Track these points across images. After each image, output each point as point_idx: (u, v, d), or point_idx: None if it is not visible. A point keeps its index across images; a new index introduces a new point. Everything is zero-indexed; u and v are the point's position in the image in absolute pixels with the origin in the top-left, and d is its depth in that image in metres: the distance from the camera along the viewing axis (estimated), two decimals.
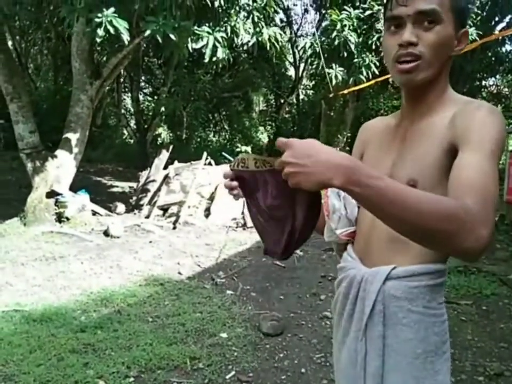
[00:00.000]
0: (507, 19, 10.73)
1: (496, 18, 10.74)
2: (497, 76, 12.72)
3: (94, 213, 5.99)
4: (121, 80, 13.53)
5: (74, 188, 5.92)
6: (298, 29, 15.92)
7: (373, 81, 7.11)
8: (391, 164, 0.97)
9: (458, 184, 0.78)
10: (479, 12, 8.81)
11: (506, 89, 14.26)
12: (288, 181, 0.74)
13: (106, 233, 5.28)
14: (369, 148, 1.08)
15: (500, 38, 9.47)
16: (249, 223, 5.96)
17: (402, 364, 0.93)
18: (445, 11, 0.88)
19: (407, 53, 0.89)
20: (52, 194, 5.57)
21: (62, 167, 5.78)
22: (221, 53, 5.34)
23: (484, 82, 12.75)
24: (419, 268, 0.92)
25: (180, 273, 4.16)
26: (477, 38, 6.65)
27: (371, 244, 0.99)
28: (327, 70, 7.31)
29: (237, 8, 6.13)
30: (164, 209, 6.40)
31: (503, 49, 10.90)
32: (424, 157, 0.91)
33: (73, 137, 5.87)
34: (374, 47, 7.19)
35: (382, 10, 1.04)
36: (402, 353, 0.93)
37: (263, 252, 0.99)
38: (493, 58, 10.66)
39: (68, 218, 5.53)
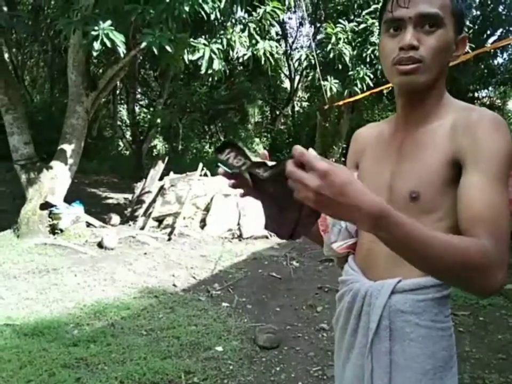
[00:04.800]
0: (498, 32, 10.94)
1: (488, 32, 10.95)
2: (490, 88, 12.88)
3: (88, 225, 5.94)
4: (117, 92, 13.57)
5: (68, 199, 5.87)
6: (293, 42, 16.13)
7: (367, 93, 7.18)
8: (390, 175, 0.94)
9: (473, 218, 0.77)
10: (471, 25, 8.96)
11: (498, 101, 14.44)
12: (306, 203, 0.67)
13: (100, 245, 5.22)
14: (365, 158, 1.05)
15: (492, 50, 9.62)
16: (245, 234, 5.93)
17: (411, 381, 0.89)
18: (447, 15, 0.86)
19: (408, 57, 0.85)
20: (45, 206, 5.52)
21: (56, 179, 5.74)
22: (217, 65, 5.37)
23: (476, 94, 12.92)
24: (425, 281, 0.89)
25: (174, 285, 4.11)
26: (469, 51, 6.74)
27: (374, 256, 0.96)
28: (322, 82, 7.37)
29: (233, 21, 6.19)
30: (159, 220, 6.36)
31: (495, 62, 11.10)
32: (424, 168, 0.88)
33: (68, 148, 5.85)
34: (368, 59, 7.27)
35: (378, 16, 1.02)
36: (410, 370, 0.89)
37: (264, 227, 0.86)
38: (485, 71, 10.82)
39: (61, 230, 5.47)
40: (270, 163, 0.75)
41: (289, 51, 15.47)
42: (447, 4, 0.86)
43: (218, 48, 5.39)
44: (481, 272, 0.71)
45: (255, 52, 5.89)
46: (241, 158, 0.80)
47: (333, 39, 7.26)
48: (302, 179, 0.65)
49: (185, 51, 5.32)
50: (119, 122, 14.84)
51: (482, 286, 0.73)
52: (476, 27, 10.14)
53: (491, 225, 0.75)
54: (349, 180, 0.66)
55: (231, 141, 0.83)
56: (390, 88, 6.22)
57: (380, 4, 0.98)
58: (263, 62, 6.08)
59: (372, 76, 7.35)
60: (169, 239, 5.77)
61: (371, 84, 7.32)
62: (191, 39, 5.29)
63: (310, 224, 0.82)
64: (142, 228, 6.15)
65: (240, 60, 10.66)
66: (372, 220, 0.66)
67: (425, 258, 0.71)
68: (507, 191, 0.80)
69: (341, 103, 7.80)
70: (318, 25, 11.58)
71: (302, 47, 15.27)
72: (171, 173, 7.07)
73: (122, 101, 14.51)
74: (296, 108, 16.23)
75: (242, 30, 5.90)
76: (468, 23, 8.25)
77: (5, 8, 5.60)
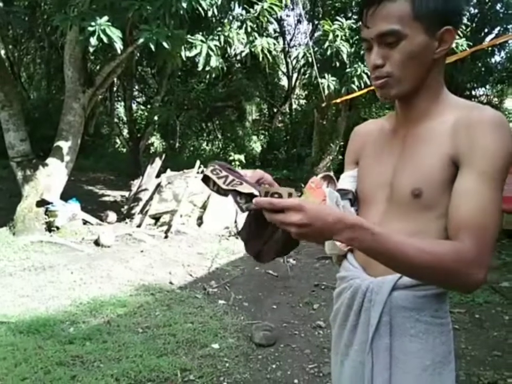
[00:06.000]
0: (495, 31, 10.95)
1: (486, 30, 10.95)
2: (487, 86, 12.90)
3: (85, 222, 5.92)
4: (114, 89, 13.51)
5: (65, 196, 5.85)
6: (291, 39, 16.08)
7: (364, 91, 7.15)
8: (392, 172, 0.95)
9: (459, 219, 0.80)
10: (469, 23, 8.95)
11: (496, 99, 14.45)
12: (294, 236, 0.75)
13: (97, 242, 5.21)
14: (365, 155, 1.05)
15: (489, 49, 9.63)
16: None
17: (411, 376, 0.90)
18: (408, 24, 0.84)
19: (375, 76, 0.90)
20: (42, 203, 5.50)
21: (52, 176, 5.72)
22: (214, 62, 5.35)
23: (474, 92, 12.93)
24: None
25: (171, 282, 4.10)
26: (467, 48, 6.74)
27: None
28: (319, 80, 7.35)
29: (230, 17, 6.16)
30: (156, 218, 6.34)
31: (492, 60, 11.10)
32: (425, 165, 0.88)
33: (64, 145, 5.82)
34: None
35: None
36: (410, 366, 0.90)
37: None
38: (483, 69, 10.83)
39: (58, 228, 5.46)
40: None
41: (287, 48, 15.43)
42: (406, 12, 0.84)
43: (215, 45, 5.37)
44: (458, 275, 0.77)
45: (252, 49, 5.87)
46: (227, 176, 0.83)
47: (330, 36, 7.23)
48: (283, 220, 0.73)
49: (183, 48, 5.30)
50: (116, 120, 14.79)
51: (462, 286, 0.81)
52: (474, 25, 10.13)
53: (476, 230, 0.77)
54: (319, 205, 0.78)
55: (212, 164, 0.86)
56: None
57: None
58: (260, 59, 6.06)
59: (369, 74, 7.34)
60: (166, 237, 5.76)
61: (368, 82, 7.30)
62: (188, 36, 5.26)
63: (272, 252, 0.89)
64: (139, 226, 6.14)
65: (238, 57, 10.64)
66: (351, 228, 0.74)
67: (402, 264, 0.77)
68: (500, 193, 0.80)
69: (338, 100, 7.77)
70: (316, 22, 11.56)
71: (299, 44, 15.25)
72: (168, 170, 7.05)
73: (120, 98, 14.45)
74: (294, 106, 16.18)
75: (240, 27, 5.88)
76: (465, 21, 8.23)
77: (1, 4, 5.56)
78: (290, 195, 0.74)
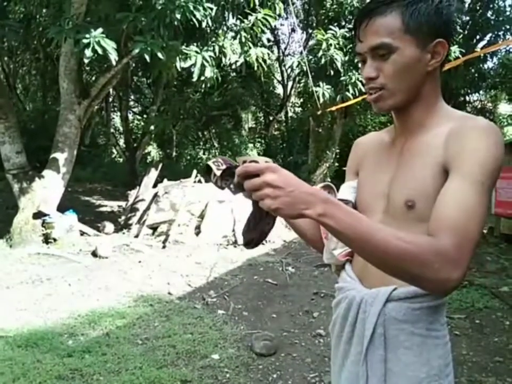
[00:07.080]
0: (487, 37, 11.10)
1: (477, 37, 11.10)
2: (481, 92, 13.03)
3: (82, 233, 5.90)
4: (110, 99, 13.57)
5: (62, 208, 5.83)
6: (285, 48, 16.24)
7: (359, 98, 7.22)
8: (388, 183, 0.95)
9: (440, 218, 0.78)
10: (461, 31, 9.08)
11: (489, 104, 14.58)
12: (264, 203, 0.71)
13: (94, 253, 5.18)
14: (365, 166, 1.06)
15: (482, 55, 9.75)
16: (240, 240, 5.91)
17: None
18: (398, 37, 0.86)
19: (369, 87, 0.92)
20: (38, 215, 5.47)
21: (49, 187, 5.70)
22: (209, 72, 5.39)
23: (468, 98, 13.06)
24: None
25: (170, 293, 4.08)
26: (460, 56, 6.82)
27: (370, 264, 0.98)
28: (314, 88, 7.40)
29: (225, 28, 6.22)
30: (153, 228, 6.33)
31: (485, 66, 11.24)
32: (419, 176, 0.89)
33: (60, 157, 5.82)
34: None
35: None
36: (404, 378, 0.89)
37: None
38: (476, 75, 10.95)
39: (55, 239, 5.43)
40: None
41: (281, 57, 15.56)
42: (397, 26, 0.86)
43: (210, 56, 5.40)
44: (434, 269, 0.72)
45: (247, 59, 5.92)
46: (229, 165, 0.84)
47: (324, 45, 7.31)
48: (257, 181, 0.71)
49: (177, 58, 5.33)
50: (112, 130, 14.83)
51: (435, 283, 0.74)
52: (466, 32, 10.27)
53: (456, 229, 0.75)
54: (292, 175, 0.73)
55: (216, 157, 0.88)
56: None
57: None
58: (255, 68, 6.11)
59: (363, 81, 7.40)
60: (163, 247, 5.74)
61: (363, 89, 7.36)
62: (183, 47, 5.30)
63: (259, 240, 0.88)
64: (136, 236, 6.11)
65: (233, 66, 10.70)
66: (324, 202, 0.72)
67: (371, 250, 0.73)
68: (487, 197, 0.79)
69: (333, 108, 7.83)
70: (310, 31, 11.67)
71: (294, 53, 15.40)
72: (165, 180, 7.05)
73: (116, 108, 14.51)
74: (290, 114, 16.28)
75: (234, 37, 5.94)
76: (458, 28, 8.34)
77: None
78: (267, 162, 0.74)
